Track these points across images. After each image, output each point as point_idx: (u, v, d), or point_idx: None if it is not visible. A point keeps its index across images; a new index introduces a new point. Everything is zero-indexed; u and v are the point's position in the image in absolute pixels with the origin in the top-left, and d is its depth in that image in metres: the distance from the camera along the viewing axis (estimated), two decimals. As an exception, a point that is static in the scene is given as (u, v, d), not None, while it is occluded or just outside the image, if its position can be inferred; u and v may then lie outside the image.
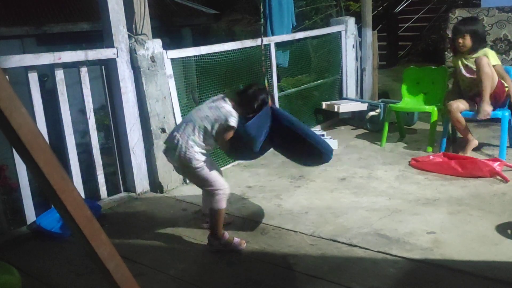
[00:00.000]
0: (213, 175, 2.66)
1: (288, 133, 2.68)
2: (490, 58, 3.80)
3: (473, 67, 3.89)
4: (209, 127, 2.60)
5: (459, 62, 4.01)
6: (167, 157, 2.76)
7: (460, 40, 3.89)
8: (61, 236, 2.93)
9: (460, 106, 3.88)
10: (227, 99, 2.68)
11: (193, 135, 2.60)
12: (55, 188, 1.00)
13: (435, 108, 4.26)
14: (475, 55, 3.85)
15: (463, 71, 3.98)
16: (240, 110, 2.65)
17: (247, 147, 2.63)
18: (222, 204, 2.65)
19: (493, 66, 3.79)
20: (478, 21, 4.08)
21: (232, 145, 2.67)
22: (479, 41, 3.89)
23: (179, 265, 2.57)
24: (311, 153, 2.73)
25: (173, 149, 2.64)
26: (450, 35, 5.44)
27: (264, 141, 2.64)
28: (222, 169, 4.09)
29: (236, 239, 2.70)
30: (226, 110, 2.61)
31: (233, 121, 2.58)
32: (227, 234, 2.69)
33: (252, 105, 2.66)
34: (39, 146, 0.96)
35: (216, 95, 4.12)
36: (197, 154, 2.61)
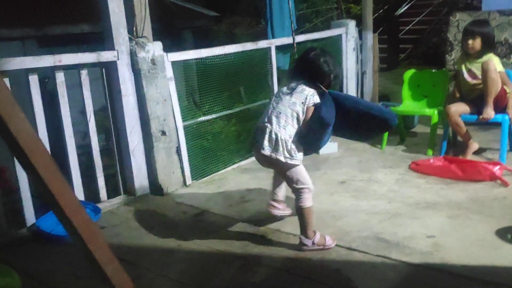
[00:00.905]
0: (304, 171, 2.66)
1: (351, 113, 2.68)
2: (496, 61, 3.79)
3: (476, 72, 3.89)
4: (300, 112, 2.60)
5: (463, 66, 4.00)
6: (263, 152, 2.60)
7: (470, 42, 3.85)
8: (61, 239, 2.92)
9: (459, 109, 3.88)
10: (300, 83, 2.67)
11: (288, 125, 2.60)
12: (53, 192, 1.00)
13: (436, 112, 4.26)
14: (479, 60, 3.84)
15: (466, 75, 3.97)
16: (314, 84, 2.66)
17: (321, 129, 2.62)
18: (310, 202, 2.66)
19: (500, 71, 3.78)
20: (489, 24, 4.03)
21: (309, 128, 2.64)
22: (488, 45, 3.86)
23: (178, 268, 2.57)
24: (376, 122, 2.75)
25: (275, 144, 2.58)
26: (450, 38, 5.47)
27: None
28: (222, 171, 4.13)
29: (328, 237, 2.70)
30: (308, 90, 2.63)
31: (317, 97, 2.62)
32: (318, 233, 2.68)
33: (322, 71, 2.66)
34: (38, 151, 0.96)
35: (217, 97, 4.18)
36: (297, 145, 2.61)
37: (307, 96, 2.60)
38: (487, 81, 3.71)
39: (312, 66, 2.68)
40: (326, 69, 2.67)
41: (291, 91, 2.67)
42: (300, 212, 2.68)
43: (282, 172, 2.72)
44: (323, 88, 2.67)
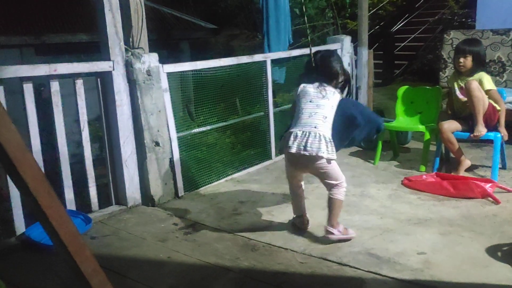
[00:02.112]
0: (339, 168, 2.88)
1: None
2: (485, 83, 3.84)
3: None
4: (334, 113, 2.87)
5: (455, 83, 4.05)
6: (321, 154, 2.75)
7: (461, 60, 3.90)
8: (50, 248, 2.90)
9: (451, 126, 3.92)
10: (324, 85, 2.92)
11: (328, 126, 2.83)
12: (41, 203, 1.00)
13: (428, 128, 4.29)
14: (471, 78, 3.89)
15: (457, 92, 4.02)
16: (334, 84, 2.96)
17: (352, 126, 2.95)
18: (343, 196, 2.89)
19: (489, 90, 3.83)
20: (481, 43, 4.09)
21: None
22: (479, 64, 3.92)
23: (168, 280, 2.55)
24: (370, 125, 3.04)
25: (325, 146, 2.76)
26: (444, 56, 5.53)
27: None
28: (215, 183, 4.13)
29: (349, 228, 2.95)
30: (336, 92, 2.93)
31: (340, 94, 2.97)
32: (341, 224, 2.90)
33: (333, 72, 2.96)
34: (26, 162, 0.96)
35: (212, 109, 4.20)
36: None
37: (335, 96, 2.90)
38: (471, 99, 3.76)
39: (328, 66, 2.95)
40: (339, 68, 2.96)
41: (324, 94, 2.88)
42: (333, 204, 2.86)
43: (322, 170, 2.83)
44: (339, 87, 2.97)
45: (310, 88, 2.93)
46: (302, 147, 2.77)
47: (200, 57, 4.51)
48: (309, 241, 2.93)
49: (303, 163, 2.86)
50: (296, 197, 3.11)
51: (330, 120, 2.84)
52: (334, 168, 2.84)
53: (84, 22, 8.72)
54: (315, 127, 2.79)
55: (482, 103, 3.76)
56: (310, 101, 2.89)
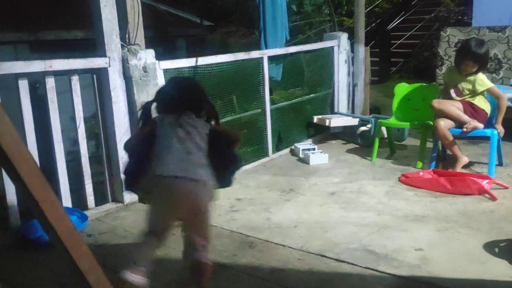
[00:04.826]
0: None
1: None
2: (480, 84, 3.90)
3: (462, 86, 3.97)
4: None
5: (450, 82, 4.08)
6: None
7: (471, 64, 3.89)
8: (46, 246, 2.88)
9: (447, 123, 3.92)
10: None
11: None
12: (37, 198, 0.98)
13: (425, 125, 4.29)
14: (469, 78, 3.95)
15: (452, 91, 4.05)
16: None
17: None
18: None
19: (488, 88, 3.87)
20: (486, 44, 4.09)
21: None
22: (483, 67, 3.99)
23: (165, 278, 2.54)
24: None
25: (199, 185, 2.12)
26: (441, 53, 5.53)
27: None
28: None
29: None
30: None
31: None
32: None
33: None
34: (21, 156, 0.95)
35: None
36: None
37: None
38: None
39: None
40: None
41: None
42: (205, 269, 2.18)
43: (198, 224, 2.25)
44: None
45: None
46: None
47: (197, 54, 4.48)
48: (306, 238, 2.92)
49: None
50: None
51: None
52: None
53: (79, 19, 8.65)
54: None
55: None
56: None
